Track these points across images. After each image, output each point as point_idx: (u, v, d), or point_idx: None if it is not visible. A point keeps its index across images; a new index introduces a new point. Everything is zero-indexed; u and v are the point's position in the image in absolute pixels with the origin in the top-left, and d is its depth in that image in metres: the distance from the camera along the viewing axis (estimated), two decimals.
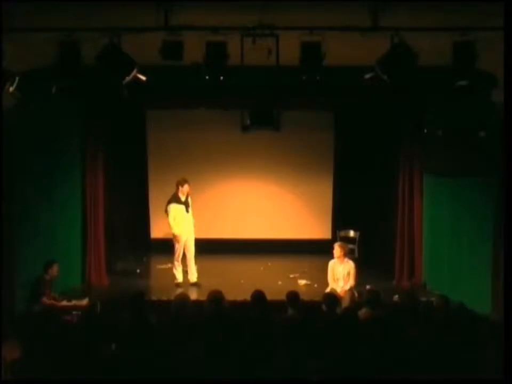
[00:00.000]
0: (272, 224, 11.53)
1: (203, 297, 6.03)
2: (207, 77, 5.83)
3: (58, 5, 5.45)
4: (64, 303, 7.58)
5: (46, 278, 7.51)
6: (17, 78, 5.79)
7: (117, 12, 5.52)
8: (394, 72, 5.65)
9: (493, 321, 6.48)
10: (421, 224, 9.27)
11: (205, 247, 9.59)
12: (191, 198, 9.34)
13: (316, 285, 9.02)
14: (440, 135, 8.02)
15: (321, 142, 11.40)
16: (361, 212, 10.81)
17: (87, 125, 9.19)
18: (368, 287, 7.83)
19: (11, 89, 5.82)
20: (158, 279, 9.80)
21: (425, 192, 9.19)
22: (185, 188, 9.10)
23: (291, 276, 9.67)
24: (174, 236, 9.17)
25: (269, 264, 10.57)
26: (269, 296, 5.90)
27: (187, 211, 9.15)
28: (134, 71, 5.78)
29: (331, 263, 8.14)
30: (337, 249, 8.12)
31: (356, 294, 7.85)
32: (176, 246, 9.19)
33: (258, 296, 5.83)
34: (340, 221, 11.29)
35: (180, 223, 9.14)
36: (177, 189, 9.14)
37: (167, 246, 9.58)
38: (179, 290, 8.51)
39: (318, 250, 10.31)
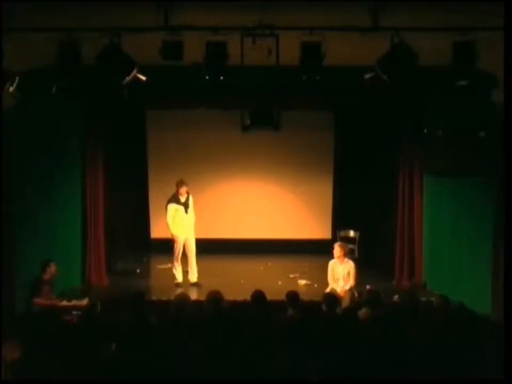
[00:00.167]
0: (272, 224, 11.54)
1: (203, 297, 6.02)
2: (207, 77, 5.83)
3: (58, 5, 5.45)
4: (64, 303, 7.58)
5: (44, 278, 7.51)
6: (17, 78, 5.78)
7: (117, 12, 5.52)
8: (394, 72, 5.65)
9: (493, 321, 6.47)
10: (421, 224, 9.27)
11: (205, 247, 9.59)
12: (193, 198, 9.35)
13: (315, 285, 9.02)
14: (440, 135, 8.02)
15: (321, 142, 11.41)
16: (361, 212, 10.82)
17: (87, 125, 9.19)
18: (368, 287, 7.83)
19: (11, 89, 5.82)
20: (158, 279, 9.80)
21: (425, 192, 9.19)
22: (182, 189, 9.11)
23: (291, 276, 9.67)
24: (172, 236, 9.18)
25: (269, 264, 10.57)
26: (269, 296, 5.90)
27: (186, 212, 9.15)
28: (134, 71, 5.78)
29: (331, 263, 8.14)
30: (337, 249, 8.12)
31: (356, 294, 7.85)
32: (175, 246, 9.20)
33: (258, 296, 5.83)
34: (340, 221, 11.30)
35: (179, 223, 9.15)
36: (177, 189, 9.17)
37: (167, 246, 9.58)
38: (179, 290, 8.51)
39: (318, 250, 10.32)
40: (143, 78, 6.08)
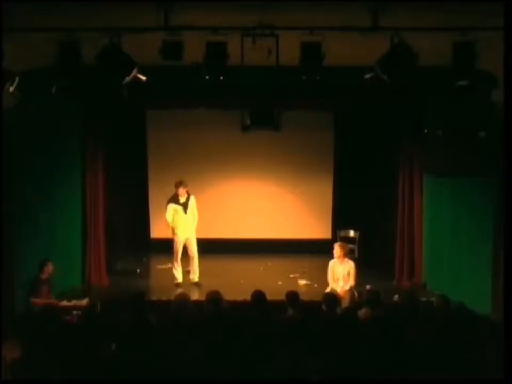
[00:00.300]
0: (272, 224, 11.54)
1: (203, 297, 6.02)
2: (207, 77, 5.83)
3: (58, 5, 5.44)
4: (64, 303, 7.58)
5: (42, 277, 7.49)
6: (17, 78, 5.78)
7: (117, 12, 5.52)
8: (394, 72, 5.65)
9: (493, 321, 6.48)
10: (421, 224, 9.27)
11: (205, 247, 9.59)
12: (196, 199, 9.34)
13: (315, 285, 9.02)
14: (440, 135, 8.02)
15: (321, 142, 11.41)
16: (361, 212, 10.82)
17: (87, 125, 9.19)
18: (368, 287, 7.83)
19: (11, 89, 5.82)
20: (158, 279, 9.80)
21: (425, 192, 9.19)
22: (181, 190, 9.11)
23: (291, 276, 9.67)
24: (173, 234, 9.21)
25: (269, 264, 10.57)
26: (269, 296, 5.90)
27: (185, 212, 9.15)
28: (134, 71, 5.77)
29: (331, 263, 8.14)
30: (337, 249, 8.12)
31: (356, 294, 7.85)
32: (175, 246, 9.21)
33: (258, 296, 5.83)
34: (340, 221, 11.30)
35: (178, 223, 9.16)
36: (176, 190, 9.18)
37: (167, 246, 9.58)
38: (179, 290, 8.50)
39: (318, 250, 10.32)
40: (143, 78, 6.08)
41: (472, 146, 7.60)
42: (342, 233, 10.79)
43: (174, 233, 9.20)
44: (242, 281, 9.26)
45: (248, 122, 8.67)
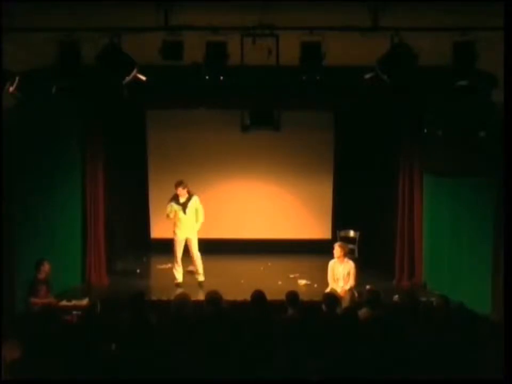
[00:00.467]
0: (272, 224, 11.54)
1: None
2: (207, 77, 5.82)
3: (58, 5, 5.44)
4: (64, 303, 7.58)
5: (40, 277, 7.47)
6: (17, 78, 5.78)
7: (117, 12, 5.51)
8: (394, 72, 5.65)
9: (493, 321, 6.48)
10: (421, 224, 9.28)
11: (205, 247, 9.59)
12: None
13: (315, 285, 9.02)
14: (440, 135, 8.03)
15: (321, 142, 11.42)
16: (361, 212, 10.82)
17: (87, 125, 9.20)
18: (368, 287, 7.80)
19: (11, 89, 5.82)
20: (158, 279, 9.80)
21: (425, 192, 9.20)
22: (179, 190, 9.10)
23: (291, 276, 9.68)
24: (173, 235, 9.20)
25: (269, 264, 10.58)
26: (269, 296, 5.90)
27: (184, 212, 9.14)
28: (134, 71, 5.77)
29: (331, 263, 8.14)
30: (337, 249, 8.12)
31: (356, 294, 7.85)
32: (175, 246, 9.21)
33: (258, 296, 5.83)
34: (340, 221, 11.30)
35: (177, 223, 9.16)
36: (175, 190, 9.19)
37: (167, 246, 9.58)
38: (179, 290, 8.50)
39: (318, 250, 10.34)
40: (143, 78, 6.08)
41: (472, 146, 7.60)
42: (342, 233, 10.79)
43: (174, 233, 9.21)
44: (242, 281, 9.26)
45: (248, 122, 8.64)
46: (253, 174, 11.47)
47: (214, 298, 5.70)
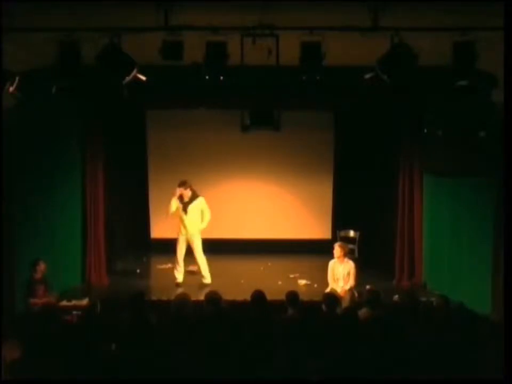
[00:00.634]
0: (272, 224, 11.54)
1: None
2: (207, 77, 5.82)
3: (58, 5, 5.44)
4: (64, 303, 7.58)
5: (36, 277, 7.45)
6: (17, 78, 5.78)
7: (117, 12, 5.51)
8: (394, 72, 5.65)
9: (493, 321, 6.48)
10: (421, 224, 9.27)
11: (206, 247, 9.58)
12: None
13: (315, 285, 9.02)
14: (440, 135, 8.02)
15: (321, 142, 11.41)
16: (361, 212, 10.82)
17: (87, 125, 9.19)
18: (368, 287, 7.80)
19: (11, 89, 5.82)
20: (158, 279, 9.79)
21: (425, 192, 9.19)
22: (181, 190, 9.09)
23: (291, 276, 9.67)
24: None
25: (269, 264, 10.58)
26: (269, 296, 5.90)
27: (185, 212, 9.14)
28: (134, 71, 5.77)
29: (331, 263, 8.14)
30: (337, 249, 8.12)
31: (356, 294, 7.85)
32: (177, 245, 9.21)
33: (258, 296, 5.83)
34: (340, 221, 11.30)
35: (179, 222, 9.15)
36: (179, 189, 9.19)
37: (167, 246, 9.59)
38: (179, 290, 8.50)
39: (318, 250, 10.33)
40: (143, 78, 6.08)
41: (472, 146, 7.60)
42: (342, 233, 10.79)
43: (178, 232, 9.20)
44: (242, 281, 9.26)
45: (248, 122, 8.64)
46: (253, 174, 11.47)
47: (213, 298, 5.70)
